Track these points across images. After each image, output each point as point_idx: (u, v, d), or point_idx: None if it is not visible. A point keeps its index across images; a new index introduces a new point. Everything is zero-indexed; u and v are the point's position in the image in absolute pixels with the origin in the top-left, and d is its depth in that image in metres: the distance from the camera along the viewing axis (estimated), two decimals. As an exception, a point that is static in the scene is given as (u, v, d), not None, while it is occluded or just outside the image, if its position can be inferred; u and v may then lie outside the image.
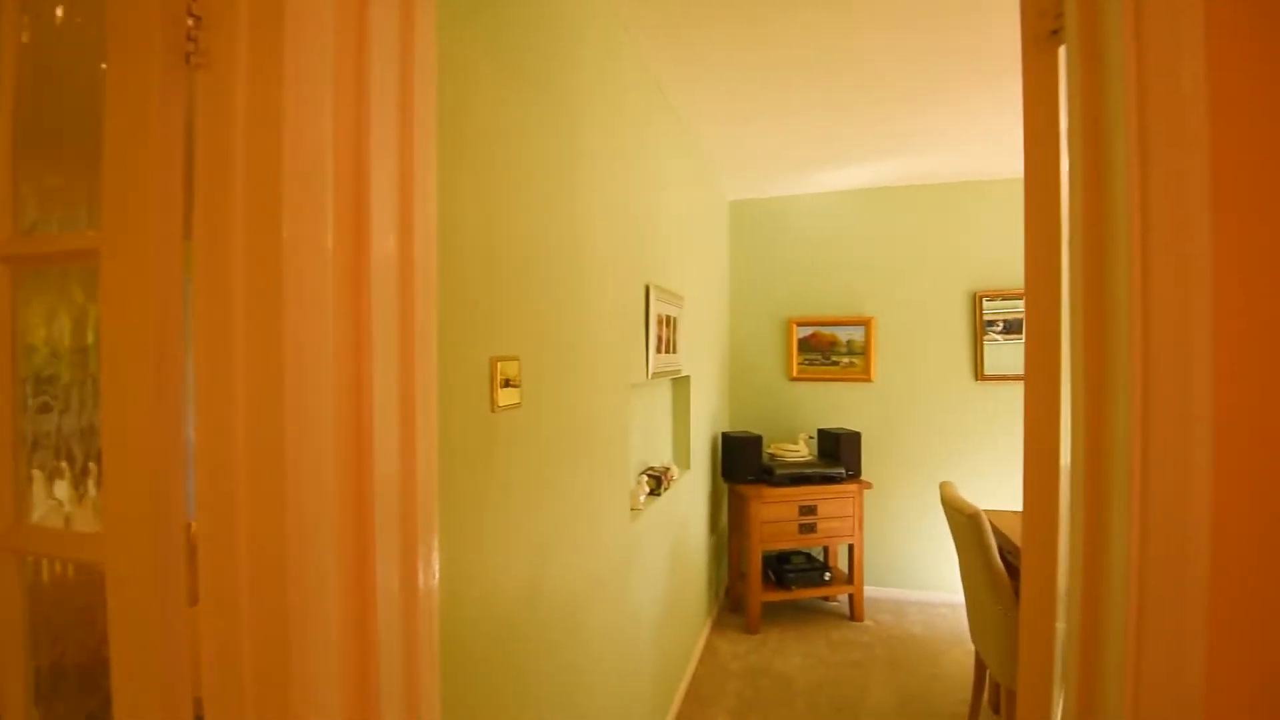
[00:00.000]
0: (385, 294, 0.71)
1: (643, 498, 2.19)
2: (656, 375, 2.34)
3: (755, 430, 4.11)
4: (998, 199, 3.91)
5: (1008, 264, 3.90)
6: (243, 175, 0.66)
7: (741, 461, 3.63)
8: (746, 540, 3.58)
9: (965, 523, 2.24)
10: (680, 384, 3.03)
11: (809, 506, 3.59)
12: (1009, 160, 3.51)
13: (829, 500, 3.62)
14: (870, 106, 2.75)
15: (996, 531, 2.46)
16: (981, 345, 3.90)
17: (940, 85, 2.54)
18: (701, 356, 3.33)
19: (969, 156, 3.48)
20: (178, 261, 0.68)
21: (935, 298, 4.00)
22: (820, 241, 4.18)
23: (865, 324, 4.06)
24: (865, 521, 3.86)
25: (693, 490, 3.14)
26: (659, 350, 2.38)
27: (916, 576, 4.04)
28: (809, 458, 3.77)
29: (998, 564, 2.20)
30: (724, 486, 3.99)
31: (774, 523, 3.55)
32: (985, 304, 3.90)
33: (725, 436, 3.74)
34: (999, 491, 3.90)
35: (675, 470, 2.78)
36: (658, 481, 2.40)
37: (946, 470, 3.98)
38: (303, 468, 0.65)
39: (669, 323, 2.53)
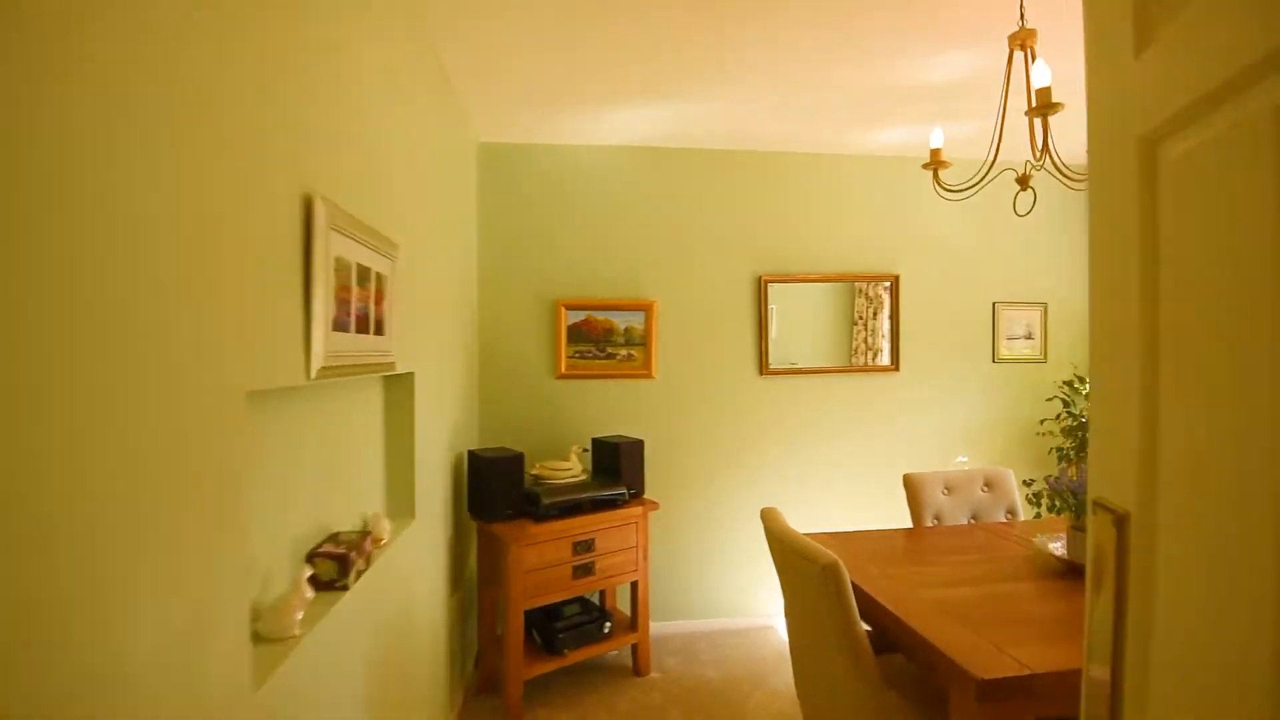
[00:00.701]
0: None
1: (300, 613, 1.11)
2: (335, 370, 1.27)
3: (515, 446, 3.16)
4: (801, 174, 3.54)
5: (795, 248, 3.55)
6: None
7: (496, 491, 2.65)
8: (505, 596, 2.61)
9: (817, 574, 1.58)
10: (397, 385, 1.95)
11: (585, 542, 2.76)
12: (827, 128, 3.10)
13: (610, 530, 2.84)
14: (667, 29, 2.00)
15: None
16: (766, 337, 3.49)
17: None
18: (434, 346, 2.28)
19: (786, 116, 2.98)
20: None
21: (722, 282, 3.49)
22: (597, 205, 3.39)
23: (646, 309, 3.38)
24: (651, 550, 3.17)
25: (420, 547, 2.08)
26: (344, 326, 1.30)
27: (704, 604, 3.49)
28: (583, 477, 2.95)
29: (860, 632, 1.58)
30: (472, 525, 2.97)
31: (541, 570, 2.64)
32: (771, 290, 3.50)
33: (473, 457, 2.73)
34: (794, 501, 3.53)
35: (387, 526, 1.71)
36: (343, 563, 1.32)
37: (733, 478, 3.49)
38: None
39: (368, 280, 1.46)
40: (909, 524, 2.66)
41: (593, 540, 2.79)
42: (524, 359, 3.36)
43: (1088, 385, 3.33)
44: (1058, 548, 2.05)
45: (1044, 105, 1.56)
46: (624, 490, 2.89)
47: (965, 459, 3.70)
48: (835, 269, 3.59)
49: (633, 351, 3.38)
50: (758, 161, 3.51)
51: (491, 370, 3.34)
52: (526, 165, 3.35)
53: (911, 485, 2.66)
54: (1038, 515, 3.33)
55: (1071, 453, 3.34)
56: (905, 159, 3.66)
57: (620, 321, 3.37)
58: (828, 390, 3.60)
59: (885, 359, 3.64)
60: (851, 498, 3.61)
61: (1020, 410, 3.74)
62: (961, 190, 1.99)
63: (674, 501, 3.42)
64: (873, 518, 3.62)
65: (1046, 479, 2.11)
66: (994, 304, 3.73)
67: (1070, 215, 3.81)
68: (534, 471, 2.90)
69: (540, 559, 2.64)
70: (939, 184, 1.99)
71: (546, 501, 2.67)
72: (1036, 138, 1.75)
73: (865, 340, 3.58)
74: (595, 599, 3.15)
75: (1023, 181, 1.93)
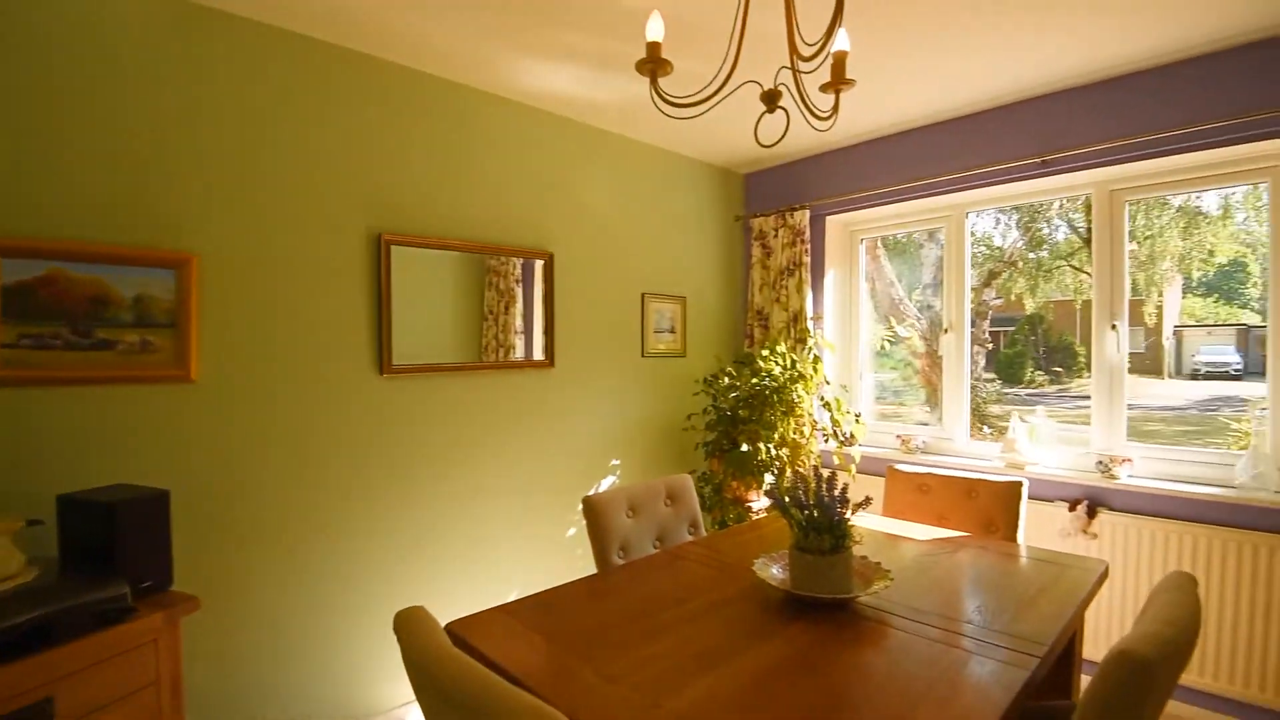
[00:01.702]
0: None
1: None
2: None
3: None
4: (442, 105, 2.60)
5: (429, 202, 2.64)
6: None
7: None
8: None
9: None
10: None
11: (30, 713, 1.36)
12: (473, 39, 2.22)
13: (93, 673, 1.49)
14: None
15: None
16: (388, 320, 2.50)
17: None
18: None
19: (414, 3, 2.00)
20: None
21: (318, 235, 2.35)
22: (77, 89, 1.87)
23: (179, 265, 2.02)
24: (199, 678, 1.86)
25: None
26: None
27: (291, 723, 2.30)
28: (28, 579, 1.50)
29: None
30: None
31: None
32: (396, 256, 2.52)
33: None
34: (441, 554, 2.60)
35: None
36: None
37: (342, 532, 2.39)
38: None
39: None
40: (589, 550, 2.07)
41: (49, 703, 1.40)
42: None
43: (723, 381, 3.30)
44: (777, 573, 1.70)
45: None
46: (125, 590, 1.57)
47: (618, 462, 3.36)
48: (482, 235, 2.81)
49: (150, 337, 1.98)
50: (376, 72, 2.48)
51: None
52: None
53: (593, 511, 2.07)
54: (720, 525, 3.23)
55: (717, 449, 3.29)
56: (569, 121, 3.12)
57: (123, 285, 1.93)
58: (474, 392, 2.80)
59: (538, 353, 3.03)
60: (519, 528, 2.89)
61: (666, 405, 3.59)
62: (692, 105, 1.45)
63: (233, 589, 2.15)
64: (548, 550, 2.98)
65: (767, 491, 1.73)
66: (643, 295, 3.49)
67: (708, 212, 3.84)
68: None
69: None
70: (658, 93, 1.40)
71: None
72: (799, 38, 1.31)
73: (496, 337, 2.89)
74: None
75: (770, 99, 1.49)
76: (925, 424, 3.58)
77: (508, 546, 2.89)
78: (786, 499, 1.67)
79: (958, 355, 3.30)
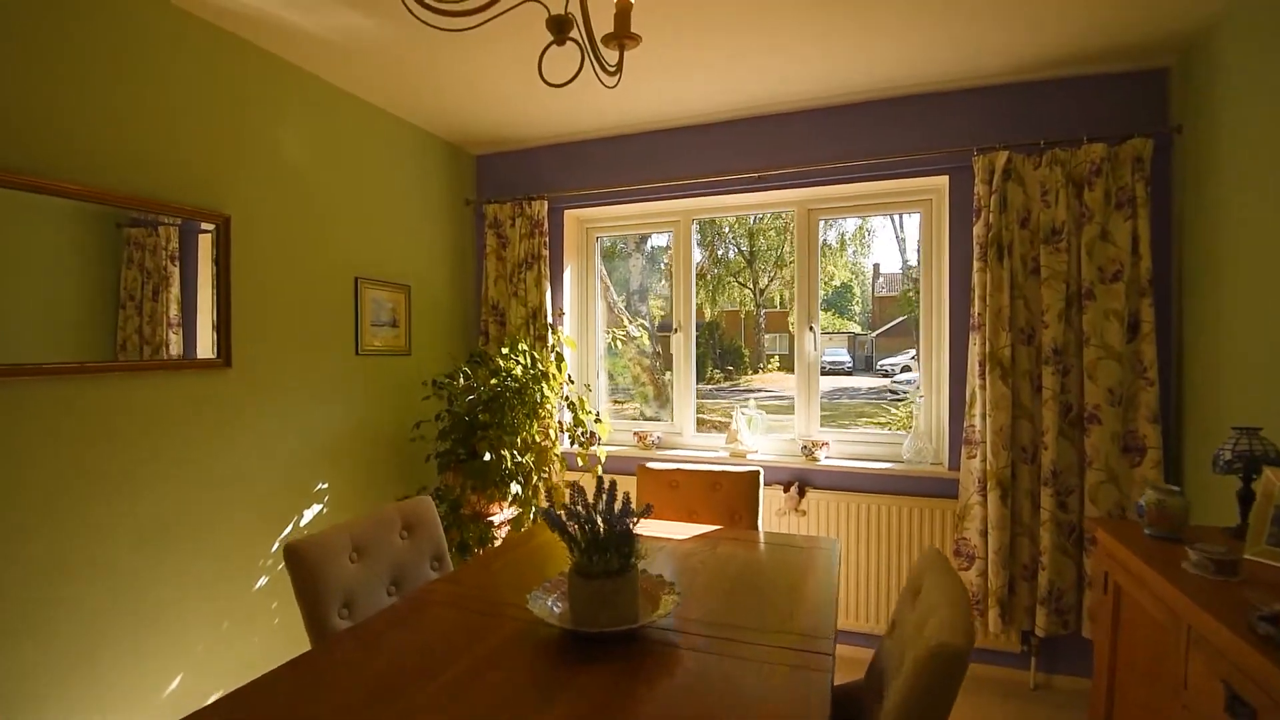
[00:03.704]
0: None
1: None
2: None
3: None
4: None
5: (42, 124, 1.73)
6: None
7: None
8: None
9: None
10: None
11: None
12: None
13: None
14: None
15: None
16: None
17: None
18: None
19: None
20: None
21: None
22: None
23: None
24: None
25: None
26: None
27: None
28: None
29: None
30: None
31: None
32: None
33: None
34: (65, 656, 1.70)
35: None
36: None
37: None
38: None
39: None
40: (296, 611, 1.54)
41: None
42: None
43: (458, 382, 2.93)
44: (554, 606, 1.44)
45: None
46: None
47: (325, 485, 2.72)
48: (117, 180, 1.97)
49: None
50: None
51: None
52: None
53: (301, 562, 1.55)
54: (471, 553, 2.74)
55: (453, 459, 2.88)
56: (265, 53, 2.40)
57: None
58: (104, 405, 1.94)
59: (206, 349, 2.26)
60: (184, 591, 2.07)
61: (387, 412, 3.05)
62: (462, 13, 1.10)
63: None
64: (232, 617, 2.20)
65: (545, 513, 1.46)
66: (357, 280, 2.90)
67: (435, 193, 3.38)
68: None
69: None
70: None
71: None
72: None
73: (141, 330, 2.09)
74: None
75: (559, 27, 1.20)
76: (655, 420, 3.68)
77: (165, 621, 2.08)
78: (562, 513, 1.42)
79: (685, 354, 3.44)
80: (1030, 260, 2.64)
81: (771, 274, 3.92)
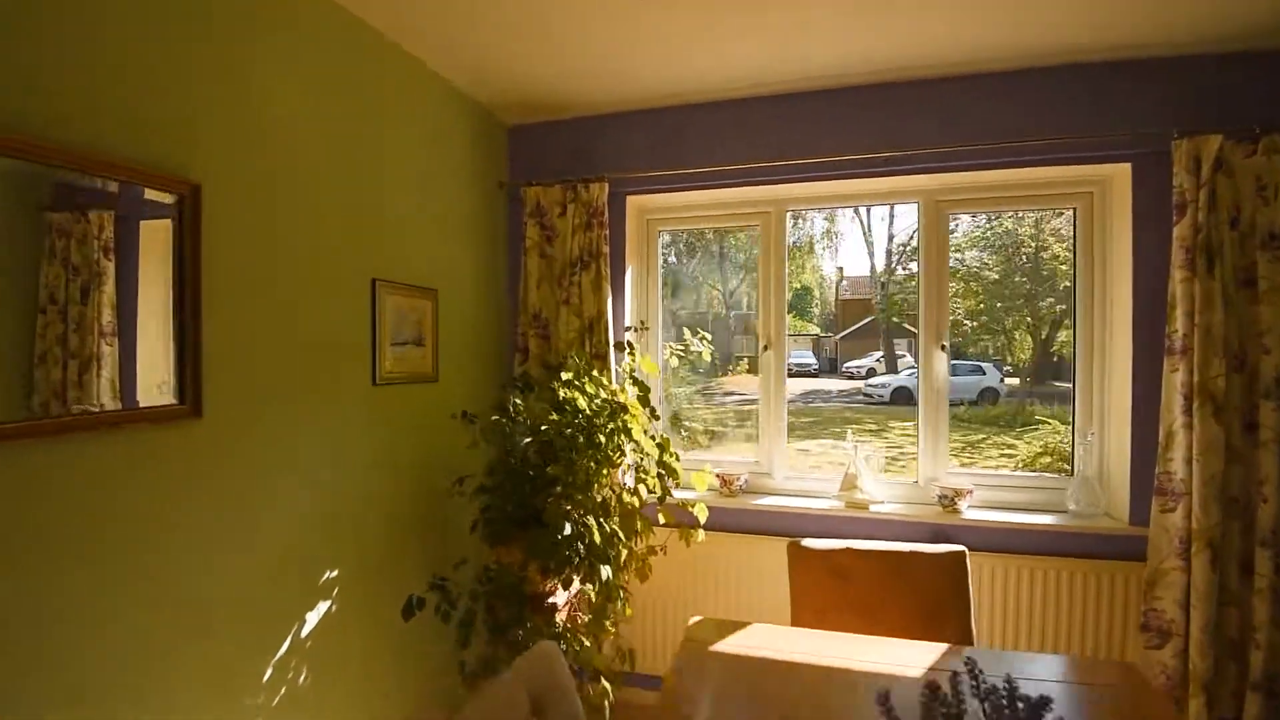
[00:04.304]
0: None
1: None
2: None
3: None
4: None
5: None
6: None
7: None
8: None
9: None
10: None
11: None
12: None
13: None
14: None
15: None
16: None
17: None
18: None
19: None
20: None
21: None
22: None
23: None
24: None
25: None
26: None
27: None
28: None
29: None
30: None
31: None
32: None
33: None
34: None
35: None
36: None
37: None
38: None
39: None
40: None
41: None
42: None
43: (517, 419, 2.19)
44: None
45: None
46: None
47: (334, 574, 1.92)
48: (39, 125, 1.15)
49: None
50: None
51: None
52: None
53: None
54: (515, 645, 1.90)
55: (508, 526, 2.12)
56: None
57: None
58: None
59: (164, 392, 1.44)
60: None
61: (411, 462, 2.26)
62: None
63: None
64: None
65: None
66: (374, 283, 2.10)
67: (464, 168, 2.60)
68: None
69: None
70: None
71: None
72: None
73: (65, 357, 1.27)
74: None
75: None
76: (743, 458, 3.01)
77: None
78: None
79: (777, 375, 2.79)
80: (1242, 270, 2.13)
81: (741, 276, 3.60)
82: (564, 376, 2.26)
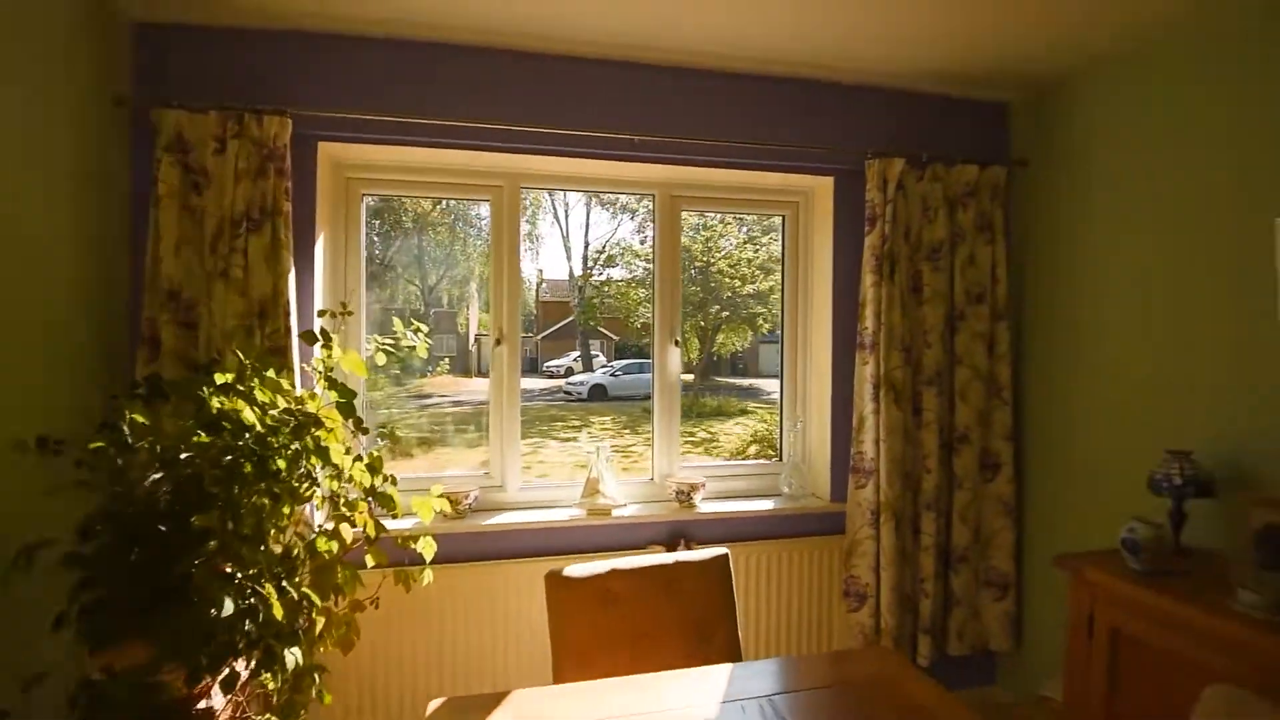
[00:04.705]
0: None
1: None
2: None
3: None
4: None
5: None
6: None
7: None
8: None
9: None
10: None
11: None
12: None
13: None
14: None
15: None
16: None
17: None
18: None
19: None
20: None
21: None
22: None
23: None
24: None
25: None
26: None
27: None
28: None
29: None
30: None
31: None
32: None
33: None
34: None
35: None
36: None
37: None
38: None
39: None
40: None
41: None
42: None
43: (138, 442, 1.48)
44: None
45: None
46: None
47: None
48: None
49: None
50: None
51: None
52: None
53: None
54: None
55: (123, 613, 1.36)
56: None
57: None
58: None
59: None
60: None
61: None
62: None
63: None
64: None
65: None
66: None
67: (81, 55, 1.65)
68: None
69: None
70: None
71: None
72: None
73: None
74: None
75: None
76: (468, 471, 2.58)
77: None
78: None
79: (510, 373, 2.46)
80: (912, 277, 2.52)
81: (441, 273, 3.57)
82: (219, 380, 1.58)
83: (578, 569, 1.55)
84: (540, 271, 4.28)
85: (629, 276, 4.48)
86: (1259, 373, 1.79)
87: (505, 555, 2.23)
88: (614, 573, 1.56)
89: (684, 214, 2.63)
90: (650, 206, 2.60)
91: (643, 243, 4.35)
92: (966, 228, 2.50)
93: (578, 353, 4.69)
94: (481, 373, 3.48)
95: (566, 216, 4.23)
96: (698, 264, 4.40)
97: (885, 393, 2.39)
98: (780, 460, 2.76)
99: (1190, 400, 1.97)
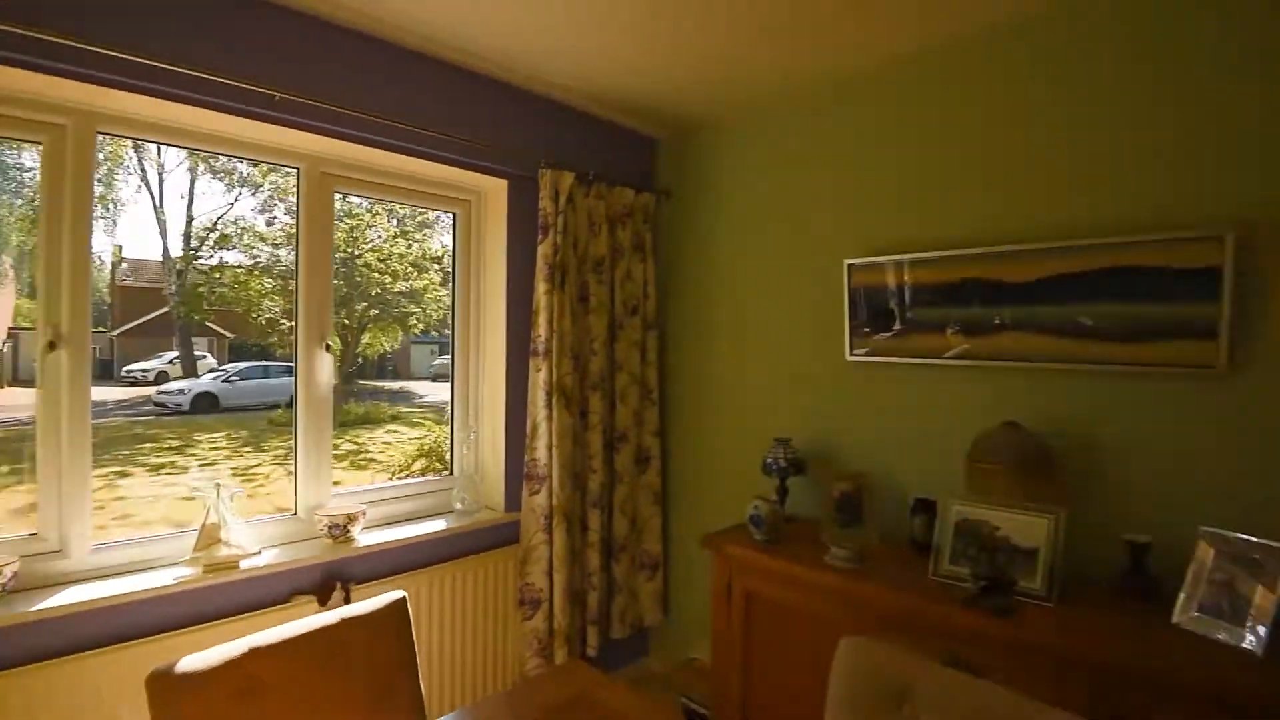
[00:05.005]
0: None
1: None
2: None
3: None
4: None
5: None
6: None
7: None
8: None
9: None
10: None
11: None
12: None
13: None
14: None
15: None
16: None
17: None
18: None
19: None
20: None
21: None
22: None
23: None
24: None
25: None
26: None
27: None
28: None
29: None
30: None
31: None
32: None
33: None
34: None
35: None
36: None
37: None
38: None
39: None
40: None
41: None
42: None
43: None
44: None
45: None
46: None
47: None
48: None
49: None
50: None
51: None
52: None
53: None
54: None
55: None
56: None
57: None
58: None
59: None
60: None
61: None
62: None
63: None
64: None
65: None
66: None
67: None
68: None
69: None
70: None
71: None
72: None
73: None
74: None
75: None
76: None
77: None
78: None
79: (75, 389, 1.75)
80: (580, 287, 2.63)
81: None
82: None
83: (196, 660, 1.15)
84: (119, 248, 3.39)
85: (251, 263, 3.66)
86: (836, 381, 2.36)
87: (83, 647, 1.57)
88: (254, 653, 1.21)
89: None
90: (295, 182, 2.16)
91: (270, 224, 3.63)
92: (625, 245, 2.73)
93: (176, 353, 3.66)
94: (19, 382, 2.55)
95: (160, 181, 3.25)
96: (340, 254, 3.90)
97: (558, 399, 2.45)
98: (451, 474, 2.60)
99: (790, 399, 2.50)
